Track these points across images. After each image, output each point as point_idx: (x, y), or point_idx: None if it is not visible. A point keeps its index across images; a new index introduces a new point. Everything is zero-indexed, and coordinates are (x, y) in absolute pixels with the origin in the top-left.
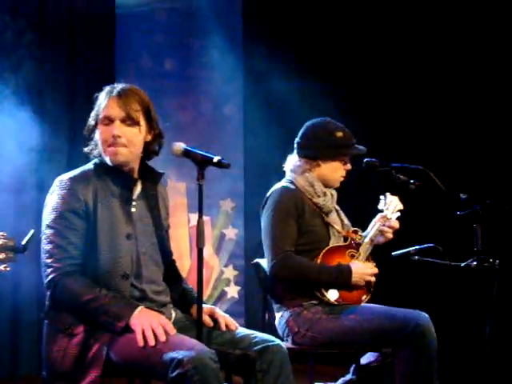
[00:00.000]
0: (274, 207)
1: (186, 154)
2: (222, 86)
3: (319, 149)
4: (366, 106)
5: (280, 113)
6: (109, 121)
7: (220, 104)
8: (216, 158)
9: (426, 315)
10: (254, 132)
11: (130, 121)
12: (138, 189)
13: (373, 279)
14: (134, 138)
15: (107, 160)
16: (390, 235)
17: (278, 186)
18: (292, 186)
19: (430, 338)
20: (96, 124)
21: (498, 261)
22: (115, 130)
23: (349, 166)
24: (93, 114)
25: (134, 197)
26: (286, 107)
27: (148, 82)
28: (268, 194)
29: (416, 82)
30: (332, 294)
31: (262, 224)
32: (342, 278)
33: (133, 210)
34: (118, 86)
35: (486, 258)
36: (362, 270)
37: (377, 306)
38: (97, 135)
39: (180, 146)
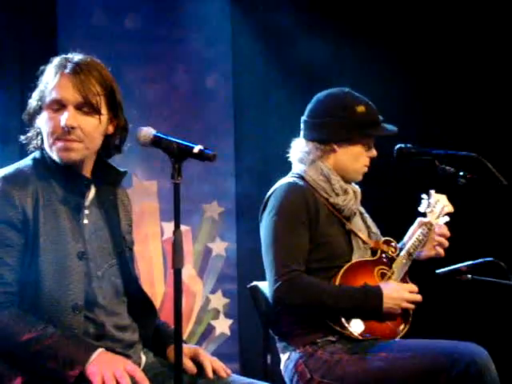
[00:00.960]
0: (277, 211)
1: (157, 142)
2: (203, 50)
3: (334, 128)
4: (407, 69)
5: (283, 83)
6: (59, 106)
7: (201, 74)
8: (197, 148)
9: (484, 350)
10: (249, 111)
11: (88, 107)
12: (92, 193)
13: (411, 306)
14: (93, 130)
15: (54, 156)
16: (440, 250)
17: (282, 181)
18: (301, 182)
19: (490, 379)
20: (41, 108)
21: None
22: (68, 119)
23: (374, 152)
24: (36, 93)
25: (87, 203)
26: (292, 74)
27: (102, 47)
28: (269, 192)
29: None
30: (356, 326)
31: (261, 234)
32: (369, 304)
33: (85, 221)
34: (73, 58)
35: None
36: (398, 293)
37: (415, 340)
38: (40, 122)
39: (148, 132)
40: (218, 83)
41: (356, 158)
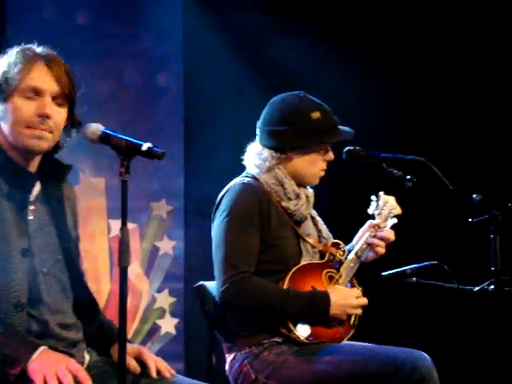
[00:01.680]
0: (229, 211)
1: (105, 139)
2: (154, 48)
3: (290, 137)
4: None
5: (236, 82)
6: (33, 94)
7: (151, 72)
8: (146, 146)
9: (427, 356)
10: (199, 110)
11: (61, 99)
12: (37, 189)
13: (358, 312)
14: (61, 122)
15: (20, 144)
16: (381, 249)
17: (235, 181)
18: (255, 183)
19: None
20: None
21: None
22: (47, 107)
23: (331, 155)
24: None
25: (32, 199)
26: (247, 73)
27: (51, 41)
28: (222, 192)
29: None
30: (302, 330)
31: (212, 234)
32: (316, 309)
33: (30, 217)
34: (38, 50)
35: (507, 280)
36: (345, 299)
37: (361, 343)
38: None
39: (97, 128)
40: (169, 81)
41: (313, 163)
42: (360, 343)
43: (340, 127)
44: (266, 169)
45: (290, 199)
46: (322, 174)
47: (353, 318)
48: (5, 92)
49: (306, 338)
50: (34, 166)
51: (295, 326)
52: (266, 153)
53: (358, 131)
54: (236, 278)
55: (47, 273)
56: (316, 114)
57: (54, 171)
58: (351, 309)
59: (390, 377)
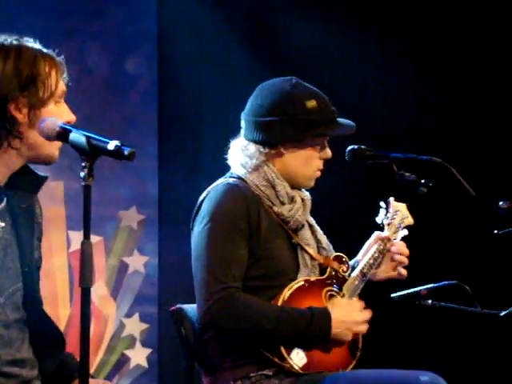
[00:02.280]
0: (211, 216)
1: (64, 136)
2: (123, 27)
3: (281, 130)
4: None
5: (218, 69)
6: (60, 98)
7: (120, 55)
8: (112, 144)
9: (443, 381)
10: (177, 101)
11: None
12: (3, 204)
13: (364, 329)
14: None
15: (48, 158)
16: (403, 270)
17: (218, 182)
18: (242, 184)
19: None
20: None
21: None
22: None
23: (328, 153)
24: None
25: None
26: (229, 59)
27: (4, 20)
28: (203, 195)
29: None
30: (297, 358)
31: (192, 244)
32: (315, 329)
33: None
34: (43, 48)
35: None
36: (349, 315)
37: (366, 370)
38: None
39: (54, 123)
40: (141, 67)
41: (307, 161)
42: (363, 370)
43: (339, 119)
44: (253, 167)
45: (283, 203)
46: (318, 174)
47: (357, 352)
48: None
49: (302, 368)
50: (3, 178)
51: (289, 353)
52: (253, 148)
53: (363, 126)
54: (220, 294)
55: (4, 303)
56: (311, 103)
57: (27, 183)
58: (356, 325)
59: None
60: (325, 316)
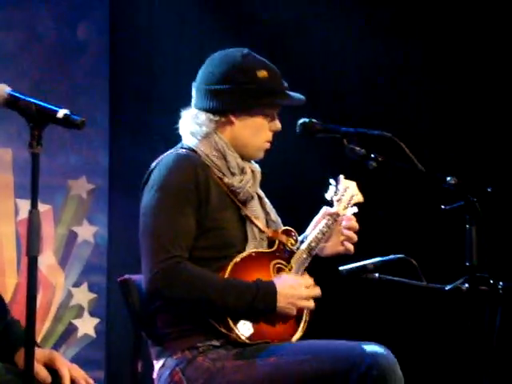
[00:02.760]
0: (160, 185)
1: (12, 103)
2: None
3: (231, 97)
4: None
5: (174, 35)
6: None
7: (70, 21)
8: (62, 112)
9: (388, 350)
10: (130, 69)
11: None
12: None
13: (310, 305)
14: None
15: None
16: (349, 245)
17: (168, 153)
18: (192, 155)
19: (394, 383)
20: None
21: (501, 282)
22: None
23: (278, 125)
24: None
25: None
26: (190, 24)
27: None
28: (153, 165)
29: None
30: (244, 329)
31: (140, 214)
32: (261, 303)
33: None
34: None
35: (484, 278)
36: (294, 290)
37: (310, 341)
38: None
39: (2, 89)
40: (91, 34)
41: (257, 131)
42: (309, 341)
43: (289, 92)
44: (203, 135)
45: (233, 174)
46: (267, 146)
47: (302, 322)
48: None
49: (248, 338)
50: None
51: (236, 323)
52: (203, 116)
53: (314, 102)
54: (167, 263)
55: None
56: (262, 73)
57: None
58: (301, 300)
59: (346, 374)
60: (270, 290)
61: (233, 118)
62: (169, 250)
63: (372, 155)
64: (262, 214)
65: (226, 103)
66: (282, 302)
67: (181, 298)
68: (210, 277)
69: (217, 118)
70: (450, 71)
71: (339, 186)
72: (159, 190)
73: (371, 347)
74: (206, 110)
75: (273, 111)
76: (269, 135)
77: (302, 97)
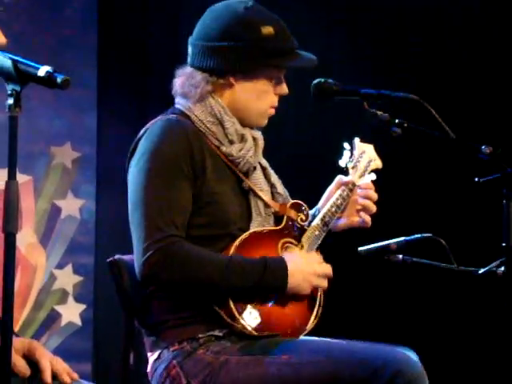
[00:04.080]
0: (150, 156)
1: None
2: None
3: (231, 56)
4: None
5: None
6: None
7: None
8: (43, 70)
9: (413, 355)
10: (120, 22)
11: None
12: None
13: (324, 284)
14: None
15: None
16: (366, 216)
17: (158, 118)
18: (184, 120)
19: None
20: None
21: None
22: None
23: (284, 89)
24: None
25: None
26: None
27: None
28: (141, 132)
29: None
30: (250, 318)
31: (128, 187)
32: (269, 281)
33: None
34: None
35: None
36: (307, 265)
37: (328, 340)
38: None
39: None
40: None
41: (260, 95)
42: (327, 339)
43: (298, 51)
44: (198, 97)
45: (232, 142)
46: (272, 112)
47: (316, 307)
48: None
49: (255, 329)
50: None
51: (241, 312)
52: (199, 76)
53: (328, 61)
54: (161, 243)
55: None
56: (268, 30)
57: None
58: (315, 277)
59: (367, 382)
60: (280, 266)
61: (232, 80)
62: (162, 228)
63: (396, 120)
64: (266, 186)
65: (225, 63)
66: (294, 278)
67: (178, 282)
68: (210, 256)
69: (214, 80)
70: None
71: (354, 151)
72: (148, 161)
73: (395, 352)
74: (202, 70)
75: (279, 73)
76: (274, 100)
77: (313, 57)
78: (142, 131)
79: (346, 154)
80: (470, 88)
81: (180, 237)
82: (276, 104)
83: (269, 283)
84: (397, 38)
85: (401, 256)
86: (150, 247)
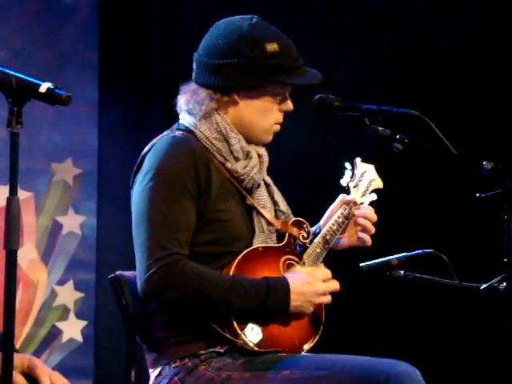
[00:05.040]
0: (155, 173)
1: None
2: None
3: (236, 74)
4: None
5: (171, 3)
6: None
7: None
8: (45, 86)
9: (415, 370)
10: (120, 38)
11: None
12: None
13: (328, 300)
14: None
15: None
16: (366, 236)
17: (163, 135)
18: (189, 137)
19: None
20: None
21: None
22: None
23: (289, 105)
24: None
25: None
26: None
27: None
28: (146, 149)
29: None
30: (252, 334)
31: (132, 204)
32: (273, 302)
33: None
34: None
35: None
36: (310, 285)
37: (327, 355)
38: None
39: None
40: None
41: (264, 113)
42: (329, 354)
43: (304, 67)
44: (202, 114)
45: (237, 159)
46: (277, 128)
47: (318, 323)
48: None
49: (257, 345)
50: None
51: (243, 328)
52: (204, 93)
53: (332, 78)
54: (164, 261)
55: None
56: (272, 46)
57: None
58: (317, 296)
59: None
60: (283, 288)
61: (237, 98)
62: (166, 246)
63: (397, 136)
64: (269, 203)
65: (230, 81)
66: (296, 301)
67: (180, 301)
68: (213, 275)
69: (218, 97)
70: (485, 47)
71: (356, 171)
72: (154, 178)
73: (397, 366)
74: (207, 87)
75: (284, 90)
76: (278, 116)
77: (318, 74)
78: (147, 147)
79: (348, 173)
80: (472, 104)
81: (183, 255)
82: (281, 120)
83: (271, 306)
84: (398, 53)
85: (402, 272)
86: (152, 265)
